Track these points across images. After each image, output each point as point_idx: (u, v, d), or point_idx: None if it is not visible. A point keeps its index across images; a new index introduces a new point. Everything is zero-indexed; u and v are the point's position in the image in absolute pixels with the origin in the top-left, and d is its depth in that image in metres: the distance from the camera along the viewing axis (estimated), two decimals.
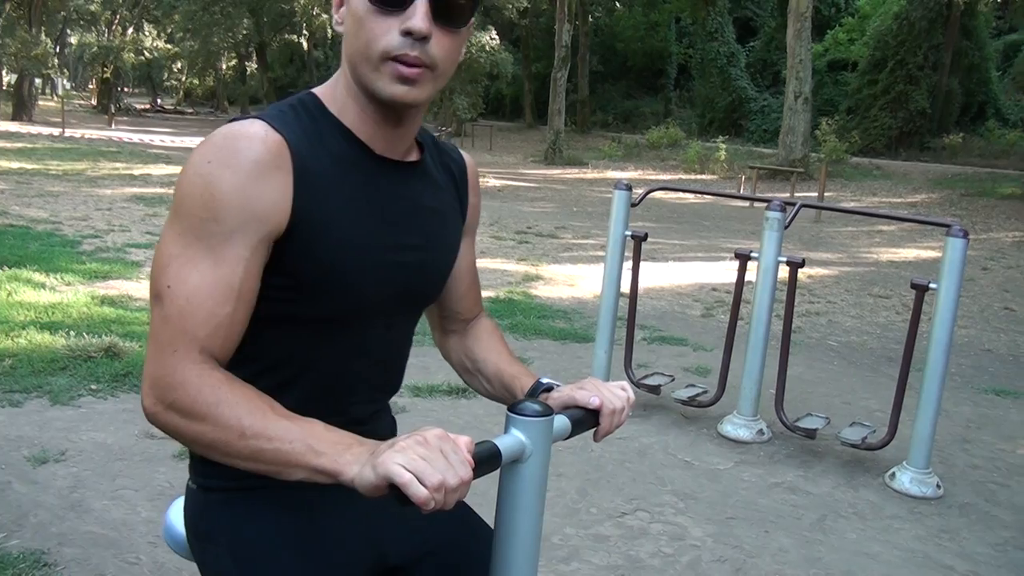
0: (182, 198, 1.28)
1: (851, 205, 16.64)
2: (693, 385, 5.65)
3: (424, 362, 5.98)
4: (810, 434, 4.94)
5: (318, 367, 1.42)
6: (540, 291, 9.13)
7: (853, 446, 4.77)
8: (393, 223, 1.43)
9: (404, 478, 1.08)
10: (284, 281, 1.33)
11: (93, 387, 5.20)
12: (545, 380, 1.56)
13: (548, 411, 1.24)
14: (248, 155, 1.26)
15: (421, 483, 1.07)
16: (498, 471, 1.23)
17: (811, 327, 8.21)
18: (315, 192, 1.32)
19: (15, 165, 18.08)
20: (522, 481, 1.23)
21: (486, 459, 1.16)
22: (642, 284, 5.90)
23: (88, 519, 3.61)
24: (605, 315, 5.59)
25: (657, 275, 10.13)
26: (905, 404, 4.74)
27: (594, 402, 1.43)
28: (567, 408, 1.43)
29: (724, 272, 10.83)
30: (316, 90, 1.43)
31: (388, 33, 1.29)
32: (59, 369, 5.46)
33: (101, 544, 3.42)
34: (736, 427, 5.13)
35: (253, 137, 1.28)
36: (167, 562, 3.33)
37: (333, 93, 1.41)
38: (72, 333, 6.06)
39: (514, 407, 1.24)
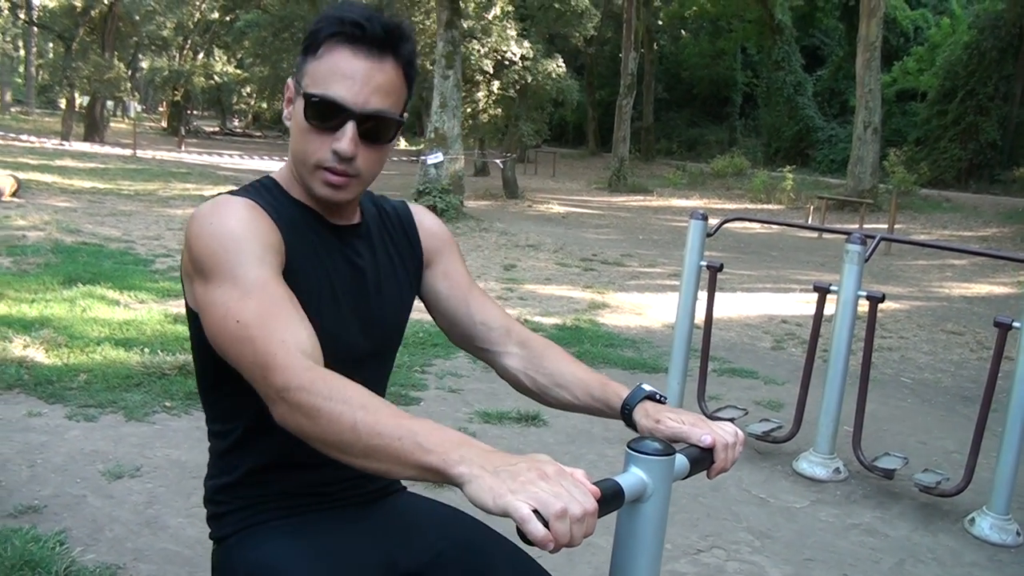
0: (202, 258, 1.43)
1: (922, 238, 16.29)
2: (767, 420, 5.54)
3: (493, 388, 5.96)
4: (888, 475, 4.80)
5: None
6: (607, 319, 9.05)
7: (926, 490, 4.61)
8: (345, 278, 1.62)
9: (522, 512, 1.04)
10: None
11: (167, 404, 5.25)
12: (647, 387, 1.54)
13: (670, 450, 1.20)
14: (239, 209, 1.48)
15: (543, 514, 1.04)
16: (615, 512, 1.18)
17: (884, 363, 8.03)
18: (289, 245, 1.51)
19: (88, 184, 18.51)
20: (643, 521, 1.18)
21: (610, 497, 1.12)
22: (713, 315, 5.81)
23: (163, 536, 3.62)
24: (679, 345, 5.51)
25: (726, 306, 9.98)
26: (982, 446, 4.59)
27: (706, 440, 1.40)
28: (677, 443, 1.40)
29: (794, 304, 10.66)
30: (273, 174, 1.67)
31: (321, 148, 1.51)
32: (133, 385, 5.53)
33: (176, 562, 3.43)
34: (812, 465, 5.01)
35: (235, 202, 1.50)
36: None
37: (288, 176, 1.63)
38: (146, 350, 6.14)
39: (635, 445, 1.20)
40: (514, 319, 1.81)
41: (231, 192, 1.57)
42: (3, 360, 5.69)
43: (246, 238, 1.42)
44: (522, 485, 1.06)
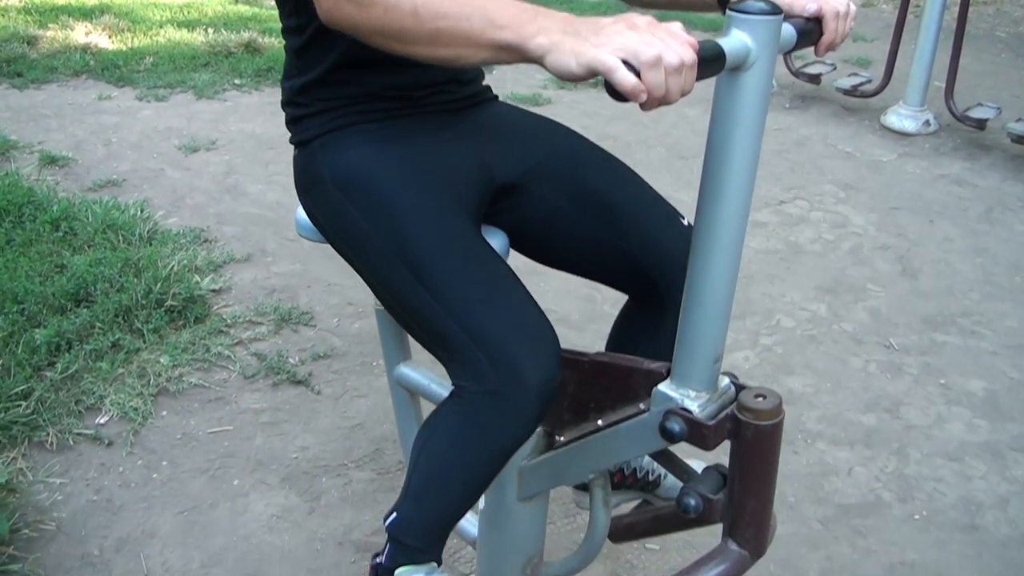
0: None
1: None
2: (856, 74, 5.28)
3: None
4: (981, 125, 4.59)
5: None
6: None
7: (1020, 140, 4.40)
8: None
9: (608, 63, 0.92)
10: None
11: (236, 81, 5.19)
12: None
13: (777, 9, 1.06)
14: None
15: (633, 64, 0.92)
16: (713, 79, 1.07)
17: (978, 17, 7.52)
18: None
19: None
20: (744, 92, 1.06)
21: (710, 58, 1.00)
22: None
23: (244, 201, 3.67)
24: None
25: None
26: None
27: (811, 8, 1.24)
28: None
29: None
30: None
31: None
32: (201, 65, 5.46)
33: (259, 223, 3.48)
34: (901, 118, 4.81)
35: None
36: None
37: None
38: (210, 30, 6.01)
39: (736, 5, 1.06)
40: None
41: None
42: (68, 47, 5.63)
43: None
44: (608, 37, 0.95)
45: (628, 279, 1.52)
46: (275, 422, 2.47)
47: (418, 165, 1.35)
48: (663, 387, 1.17)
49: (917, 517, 2.25)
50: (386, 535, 1.43)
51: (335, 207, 1.36)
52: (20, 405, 2.40)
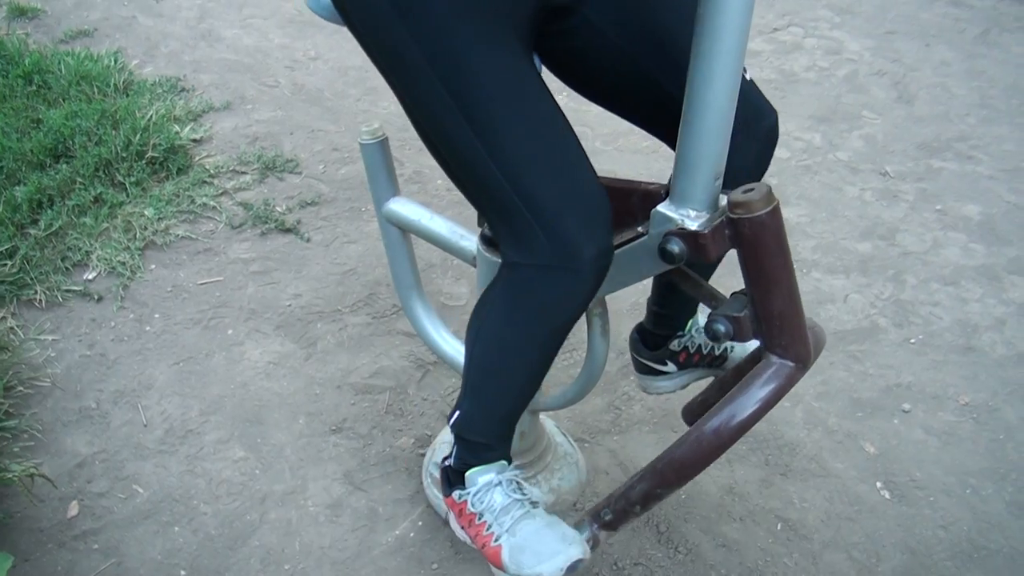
0: None
1: None
2: None
3: None
4: None
5: None
6: None
7: None
8: None
9: None
10: None
11: None
12: None
13: None
14: None
15: None
16: None
17: None
18: None
19: None
20: None
21: None
22: None
23: (220, 47, 3.54)
24: None
25: None
26: None
27: None
28: None
29: None
30: None
31: None
32: None
33: (237, 69, 3.37)
34: None
35: None
36: (306, 84, 3.27)
37: None
38: None
39: None
40: None
41: None
42: None
43: None
44: None
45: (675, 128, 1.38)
46: (266, 271, 2.44)
47: None
48: (662, 208, 1.13)
49: (913, 341, 2.25)
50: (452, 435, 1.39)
51: (380, 19, 1.16)
52: (6, 264, 2.36)
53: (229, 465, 1.92)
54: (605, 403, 2.06)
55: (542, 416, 1.79)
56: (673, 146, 1.42)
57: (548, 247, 1.12)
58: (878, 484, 1.90)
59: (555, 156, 1.14)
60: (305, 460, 1.93)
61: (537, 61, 1.31)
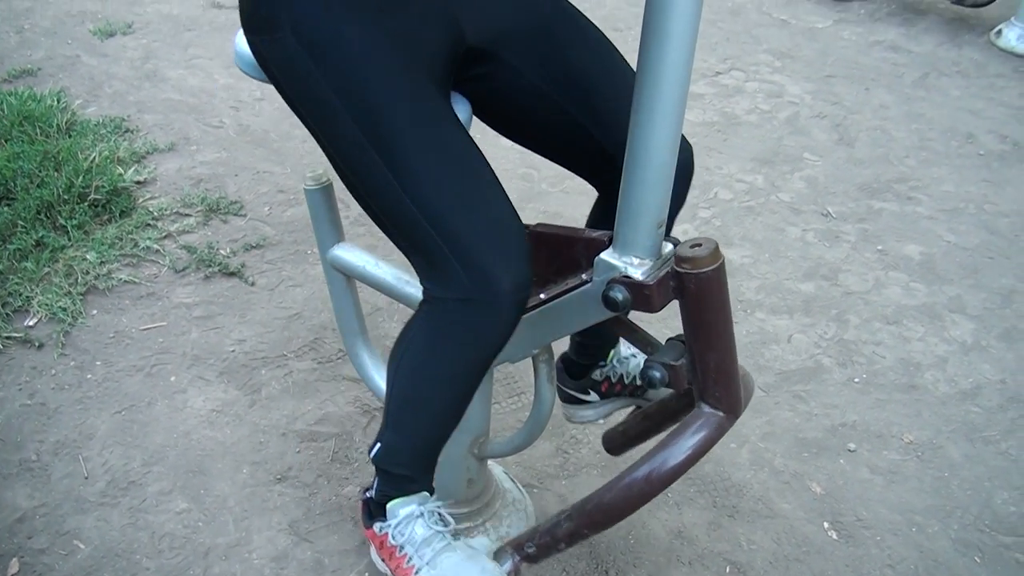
0: None
1: None
2: None
3: None
4: None
5: None
6: None
7: (957, 2, 4.38)
8: None
9: None
10: None
11: None
12: None
13: None
14: None
15: None
16: None
17: None
18: None
19: None
20: None
21: None
22: None
23: (165, 87, 3.51)
24: None
25: None
26: None
27: None
28: None
29: None
30: None
31: None
32: None
33: (182, 110, 3.34)
34: None
35: None
36: (252, 125, 3.26)
37: None
38: None
39: None
40: None
41: None
42: None
43: None
44: None
45: (599, 172, 1.41)
46: (209, 316, 2.40)
47: (389, 25, 1.17)
48: (605, 255, 1.14)
49: (857, 380, 2.28)
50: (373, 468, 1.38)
51: (294, 62, 1.17)
52: None
53: (172, 517, 1.87)
54: (553, 447, 2.05)
55: (490, 463, 1.77)
56: (599, 188, 1.45)
57: (466, 280, 1.13)
58: (825, 524, 1.91)
59: (470, 190, 1.15)
60: (249, 511, 1.89)
61: (468, 107, 1.33)
